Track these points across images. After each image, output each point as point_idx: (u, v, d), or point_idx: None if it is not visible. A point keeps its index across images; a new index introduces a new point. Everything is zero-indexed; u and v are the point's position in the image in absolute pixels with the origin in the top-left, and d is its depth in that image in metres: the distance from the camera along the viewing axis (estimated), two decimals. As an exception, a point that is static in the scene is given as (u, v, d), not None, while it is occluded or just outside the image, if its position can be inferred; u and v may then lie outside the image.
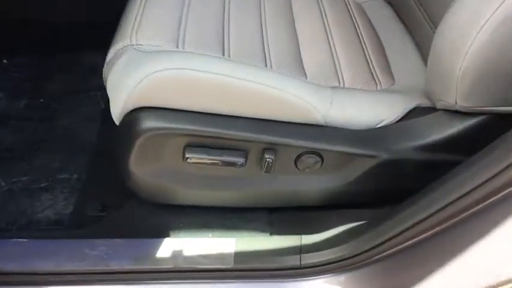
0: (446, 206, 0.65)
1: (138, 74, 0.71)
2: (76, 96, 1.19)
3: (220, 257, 0.79)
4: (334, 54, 0.90)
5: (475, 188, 0.62)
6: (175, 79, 0.71)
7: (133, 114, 0.73)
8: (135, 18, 0.80)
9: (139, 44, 0.75)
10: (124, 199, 0.89)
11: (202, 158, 0.75)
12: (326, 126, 0.77)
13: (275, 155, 0.76)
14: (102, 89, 1.15)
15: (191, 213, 0.85)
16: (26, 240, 0.81)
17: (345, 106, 0.78)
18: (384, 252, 0.74)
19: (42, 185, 0.99)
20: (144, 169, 0.78)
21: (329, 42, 0.93)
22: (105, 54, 0.79)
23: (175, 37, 0.77)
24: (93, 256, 0.79)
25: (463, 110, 0.74)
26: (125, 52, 0.75)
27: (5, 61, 1.24)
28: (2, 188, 0.98)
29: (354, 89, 0.83)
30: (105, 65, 0.79)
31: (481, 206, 0.63)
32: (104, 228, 0.85)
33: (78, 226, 0.89)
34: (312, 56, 0.88)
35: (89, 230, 0.85)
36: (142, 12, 0.81)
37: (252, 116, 0.75)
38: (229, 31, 0.84)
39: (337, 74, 0.86)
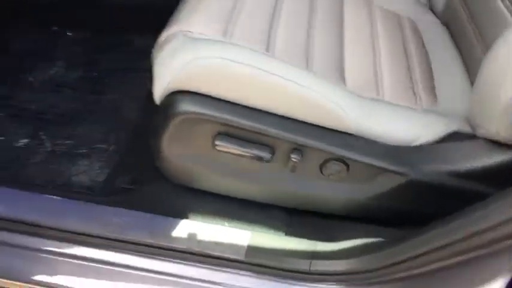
0: (470, 236, 0.63)
1: (183, 59, 0.74)
2: (126, 75, 1.25)
3: (233, 247, 0.80)
4: (378, 66, 0.89)
5: (505, 222, 0.59)
6: (215, 68, 0.73)
7: (173, 96, 0.76)
8: (191, 7, 0.84)
9: (190, 31, 0.79)
10: (153, 177, 0.93)
11: (230, 148, 0.77)
12: (357, 136, 0.77)
13: (301, 156, 0.76)
14: (150, 71, 1.21)
15: (212, 199, 0.87)
16: (59, 198, 0.87)
17: (380, 119, 0.78)
18: (396, 273, 0.72)
19: (82, 151, 1.05)
20: (174, 150, 0.81)
21: (374, 53, 0.92)
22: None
23: (224, 29, 0.80)
24: (115, 223, 0.83)
25: (504, 141, 0.71)
26: (175, 37, 0.78)
27: (69, 33, 1.33)
28: (46, 148, 1.05)
29: (392, 103, 0.82)
30: (155, 46, 0.83)
31: (508, 242, 0.60)
32: (130, 200, 0.90)
33: (107, 194, 0.94)
34: (355, 64, 0.88)
35: (115, 200, 0.90)
36: (198, 2, 0.85)
37: (285, 114, 0.76)
38: (277, 29, 0.85)
39: (377, 85, 0.85)
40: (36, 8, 1.33)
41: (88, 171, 1.01)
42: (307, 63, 0.82)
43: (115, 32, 1.33)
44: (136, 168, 0.99)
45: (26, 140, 1.07)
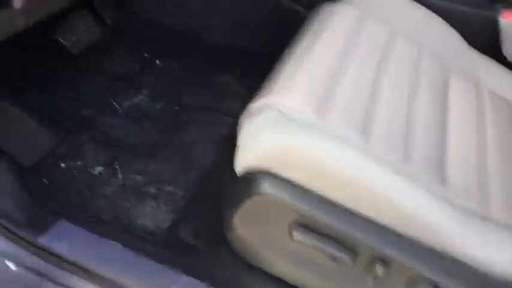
0: None
1: (271, 138, 0.69)
2: (205, 113, 1.23)
3: None
4: (486, 169, 0.78)
5: None
6: (305, 154, 0.68)
7: (255, 174, 0.72)
8: (286, 78, 0.79)
9: (284, 106, 0.73)
10: (217, 236, 0.89)
11: (308, 241, 0.71)
12: (454, 258, 0.67)
13: (387, 268, 0.67)
14: (230, 115, 1.18)
15: (274, 283, 0.81)
16: (120, 246, 0.85)
17: (486, 242, 0.67)
18: None
19: (150, 190, 1.04)
20: (246, 227, 0.76)
21: (480, 148, 0.81)
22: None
23: (319, 108, 0.74)
24: (169, 288, 0.79)
25: None
26: (267, 110, 0.74)
27: (158, 62, 1.35)
28: (118, 181, 1.06)
29: (501, 223, 0.71)
30: (244, 111, 0.79)
31: None
32: (189, 261, 0.86)
33: (168, 246, 0.91)
34: (458, 162, 0.77)
35: (175, 257, 0.87)
36: (294, 74, 0.79)
37: (373, 219, 0.68)
38: (374, 114, 0.77)
39: (483, 196, 0.74)
40: (131, 31, 1.37)
41: (153, 214, 0.99)
42: (404, 153, 0.74)
43: (201, 67, 1.33)
44: (202, 220, 0.96)
45: (101, 168, 1.08)
